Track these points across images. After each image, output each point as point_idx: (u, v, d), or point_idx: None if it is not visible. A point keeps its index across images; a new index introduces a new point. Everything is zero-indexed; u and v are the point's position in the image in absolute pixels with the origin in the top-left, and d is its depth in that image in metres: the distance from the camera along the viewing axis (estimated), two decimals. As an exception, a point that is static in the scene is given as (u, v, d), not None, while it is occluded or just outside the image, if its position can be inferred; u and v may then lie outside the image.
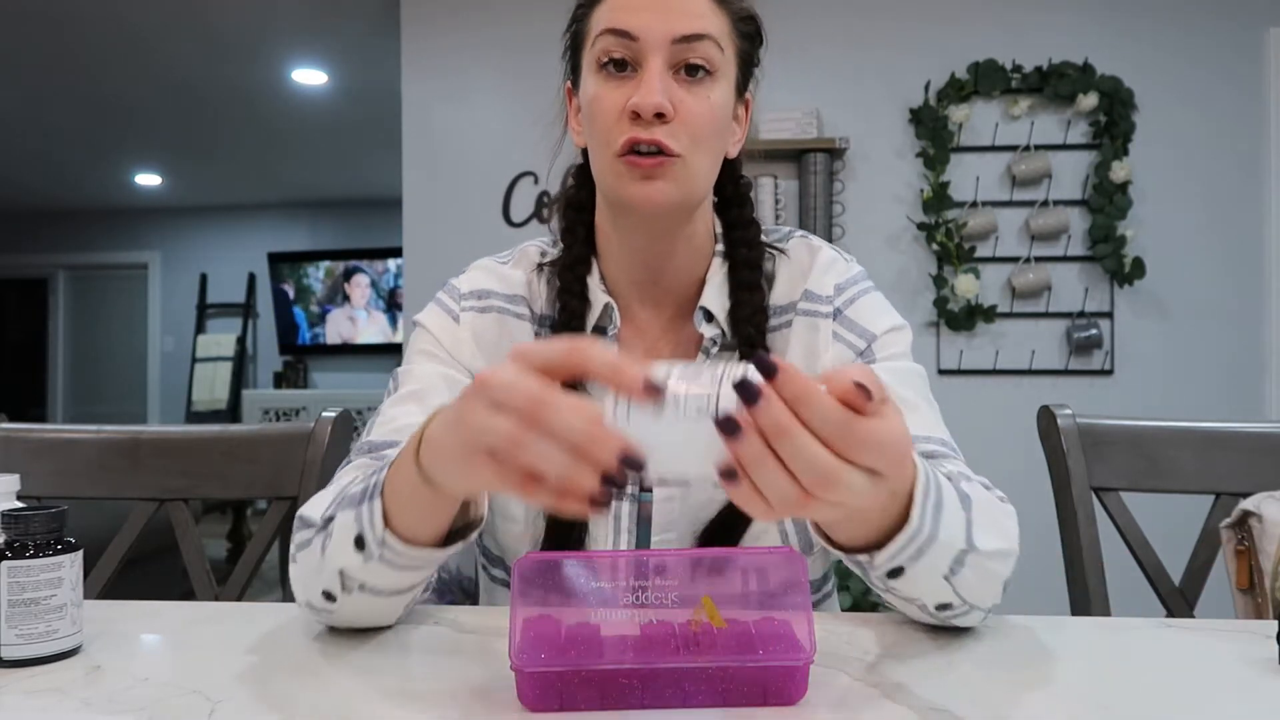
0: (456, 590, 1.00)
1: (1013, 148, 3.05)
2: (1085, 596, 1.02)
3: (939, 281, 3.03)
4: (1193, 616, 1.01)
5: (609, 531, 0.83)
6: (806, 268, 0.88)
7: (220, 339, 7.24)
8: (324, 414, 1.07)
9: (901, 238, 3.10)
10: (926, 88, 3.06)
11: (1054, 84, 3.00)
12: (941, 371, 3.06)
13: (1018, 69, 3.04)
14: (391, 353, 6.88)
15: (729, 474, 0.47)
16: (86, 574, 0.88)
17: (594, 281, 0.86)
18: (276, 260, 7.21)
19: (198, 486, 1.07)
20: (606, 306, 0.85)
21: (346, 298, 7.13)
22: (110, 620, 0.75)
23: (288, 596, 1.05)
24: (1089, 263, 3.02)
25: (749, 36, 0.83)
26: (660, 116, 0.75)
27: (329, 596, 0.68)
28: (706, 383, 0.47)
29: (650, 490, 0.83)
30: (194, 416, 7.06)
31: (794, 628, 0.58)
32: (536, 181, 3.22)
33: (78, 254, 7.70)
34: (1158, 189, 3.02)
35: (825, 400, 0.46)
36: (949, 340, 3.07)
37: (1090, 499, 1.04)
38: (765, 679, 0.55)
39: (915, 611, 0.69)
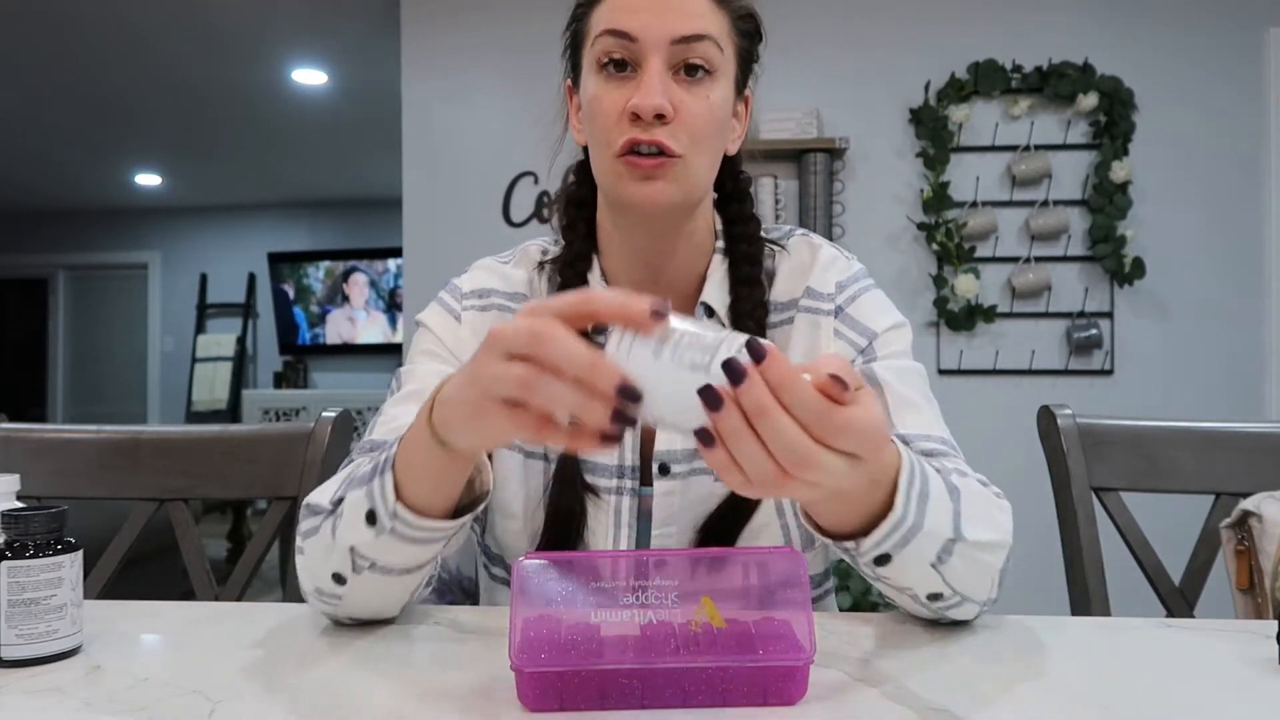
0: (456, 590, 1.01)
1: (1013, 148, 3.05)
2: (1085, 596, 1.02)
3: (939, 281, 3.03)
4: (1193, 616, 1.01)
5: (609, 526, 0.83)
6: (808, 265, 0.88)
7: (220, 339, 7.24)
8: (324, 414, 1.07)
9: (901, 238, 3.10)
10: (926, 88, 3.06)
11: (1054, 84, 3.00)
12: (941, 371, 3.06)
13: (1018, 69, 3.04)
14: (391, 353, 6.88)
15: (704, 436, 0.49)
16: (86, 574, 0.88)
17: (595, 278, 0.86)
18: (276, 260, 7.21)
19: (198, 486, 1.07)
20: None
21: (346, 298, 7.13)
22: (110, 620, 0.75)
23: (288, 596, 1.05)
24: (1089, 263, 3.03)
25: (748, 35, 0.83)
26: (660, 117, 0.75)
27: (339, 579, 0.69)
28: (708, 343, 0.49)
29: (650, 485, 0.83)
30: (194, 416, 7.06)
31: (794, 628, 0.58)
32: (536, 181, 3.22)
33: (78, 254, 7.71)
34: (1158, 189, 3.02)
35: (805, 387, 0.48)
36: (949, 340, 3.07)
37: (1090, 499, 1.04)
38: (765, 679, 0.55)
39: (908, 602, 0.70)
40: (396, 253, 6.42)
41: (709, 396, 0.48)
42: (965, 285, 2.97)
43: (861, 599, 2.68)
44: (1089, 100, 2.97)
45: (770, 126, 3.00)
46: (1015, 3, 3.08)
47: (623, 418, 0.49)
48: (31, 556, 0.64)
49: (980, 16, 3.09)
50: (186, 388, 7.17)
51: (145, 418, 7.49)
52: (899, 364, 0.84)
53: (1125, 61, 3.00)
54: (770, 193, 3.02)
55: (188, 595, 1.06)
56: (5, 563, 0.63)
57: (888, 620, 0.75)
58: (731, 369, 0.47)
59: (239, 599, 1.03)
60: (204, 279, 7.45)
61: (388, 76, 3.68)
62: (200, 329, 7.38)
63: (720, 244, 0.88)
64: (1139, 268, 2.95)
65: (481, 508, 0.68)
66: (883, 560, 0.64)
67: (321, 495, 0.73)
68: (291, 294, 7.22)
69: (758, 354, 0.47)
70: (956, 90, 3.04)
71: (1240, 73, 3.03)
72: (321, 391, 6.77)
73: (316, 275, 7.17)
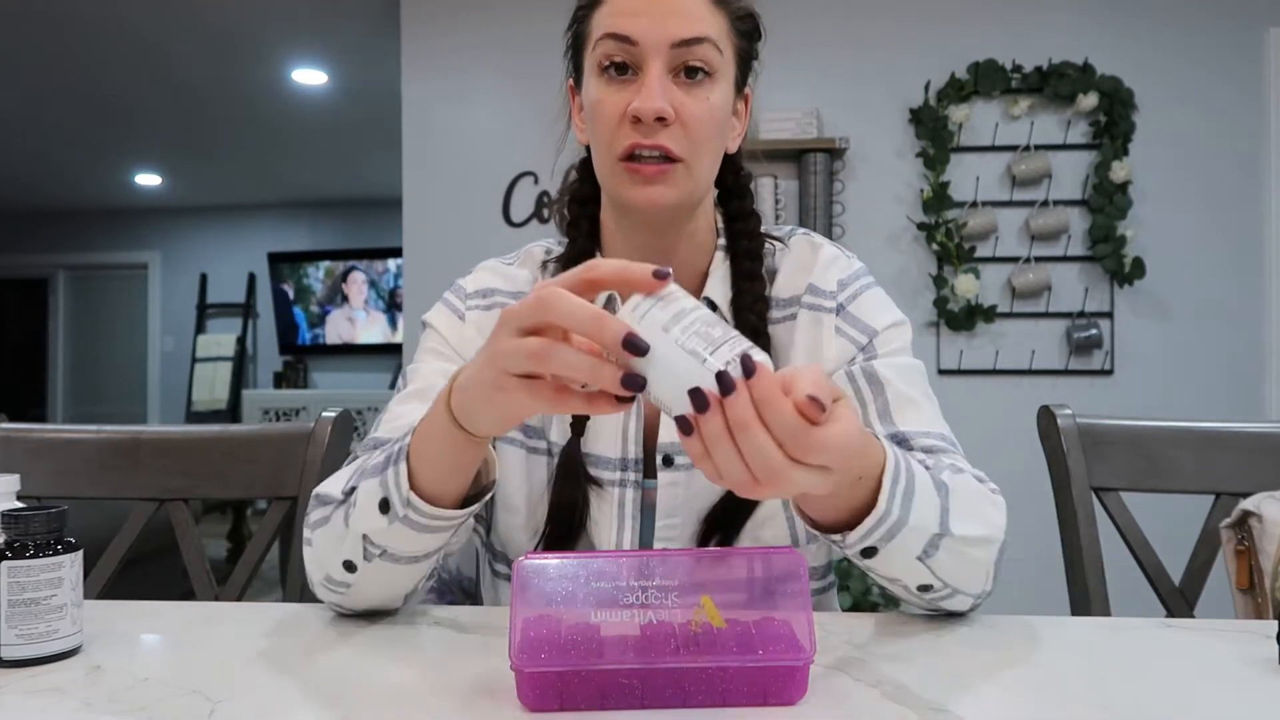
0: (456, 590, 1.01)
1: (1013, 148, 3.05)
2: (1085, 596, 1.02)
3: (939, 281, 3.03)
4: (1193, 616, 1.01)
5: (613, 518, 0.83)
6: (810, 263, 0.89)
7: (220, 339, 7.24)
8: (324, 414, 1.07)
9: (901, 238, 3.10)
10: (926, 88, 3.06)
11: (1054, 84, 3.00)
12: (941, 371, 3.06)
13: (1018, 69, 3.04)
14: (391, 353, 6.88)
15: (684, 424, 0.52)
16: (86, 574, 0.88)
17: None
18: (276, 260, 7.21)
19: (198, 486, 1.07)
20: (610, 299, 0.86)
21: (346, 298, 7.13)
22: (110, 620, 0.75)
23: (288, 596, 1.05)
24: (1089, 263, 3.03)
25: (747, 35, 0.84)
26: (661, 120, 0.76)
27: (349, 567, 0.71)
28: (714, 338, 0.51)
29: (654, 477, 0.84)
30: (194, 416, 7.06)
31: (794, 628, 0.58)
32: (536, 181, 3.22)
33: (78, 254, 7.71)
34: (1158, 189, 3.02)
35: (785, 407, 0.50)
36: (949, 340, 3.07)
37: (1090, 499, 1.04)
38: (765, 679, 0.55)
39: (901, 592, 0.72)
40: (396, 253, 6.42)
41: (697, 398, 0.50)
42: (965, 285, 2.97)
43: (861, 599, 2.68)
44: (1089, 100, 2.97)
45: (770, 126, 3.00)
46: (1015, 3, 3.08)
47: (633, 380, 0.51)
48: (31, 556, 0.64)
49: (980, 16, 3.09)
50: (186, 388, 7.17)
51: (145, 418, 7.49)
52: (899, 361, 0.85)
53: (1125, 61, 3.00)
54: (770, 193, 3.02)
55: (188, 595, 1.06)
56: (5, 563, 0.63)
57: (888, 620, 0.75)
58: (723, 381, 0.50)
59: (239, 599, 1.03)
60: (204, 279, 7.45)
61: (388, 76, 3.68)
62: (200, 329, 7.38)
63: (722, 241, 0.89)
64: (1139, 268, 2.95)
65: (489, 497, 0.71)
66: (869, 553, 0.66)
67: (332, 486, 0.75)
68: (291, 294, 7.22)
69: (749, 369, 0.50)
70: (956, 90, 3.04)
71: (1240, 73, 3.03)
72: (321, 391, 6.77)
73: (316, 275, 7.17)
